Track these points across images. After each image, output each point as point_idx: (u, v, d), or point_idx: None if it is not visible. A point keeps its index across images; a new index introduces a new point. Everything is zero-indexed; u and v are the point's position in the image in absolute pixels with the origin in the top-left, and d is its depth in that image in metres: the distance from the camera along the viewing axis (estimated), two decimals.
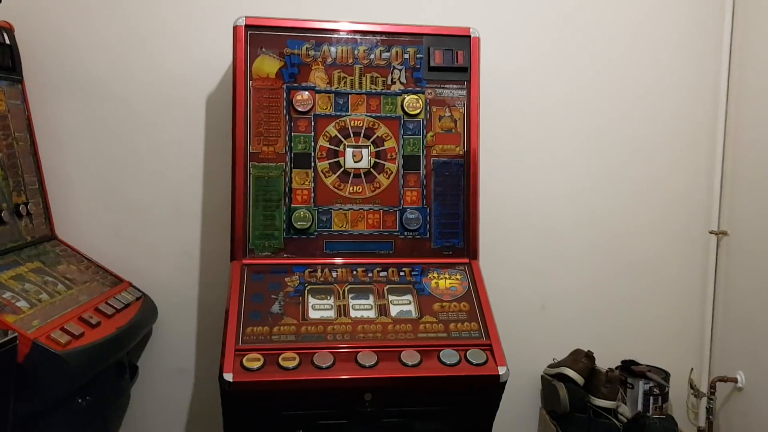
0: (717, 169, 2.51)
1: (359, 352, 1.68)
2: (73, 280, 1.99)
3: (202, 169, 2.30)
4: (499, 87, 2.35)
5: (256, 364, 1.61)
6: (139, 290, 2.21)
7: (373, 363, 1.65)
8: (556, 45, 2.43)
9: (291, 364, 1.62)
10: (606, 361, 2.43)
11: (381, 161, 2.00)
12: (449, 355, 1.70)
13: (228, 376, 1.58)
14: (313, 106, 1.96)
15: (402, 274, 1.93)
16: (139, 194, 2.29)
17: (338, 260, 1.95)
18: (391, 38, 2.01)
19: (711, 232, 2.53)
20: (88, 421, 1.86)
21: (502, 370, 1.68)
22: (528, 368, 2.48)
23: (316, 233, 1.95)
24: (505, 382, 1.69)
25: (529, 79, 2.42)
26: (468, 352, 1.71)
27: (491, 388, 1.71)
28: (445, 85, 2.02)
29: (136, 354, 2.32)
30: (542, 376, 2.46)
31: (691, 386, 2.54)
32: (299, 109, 1.95)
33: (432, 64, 2.01)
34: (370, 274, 1.92)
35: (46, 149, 2.18)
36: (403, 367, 1.66)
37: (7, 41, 2.06)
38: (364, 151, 1.99)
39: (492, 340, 1.75)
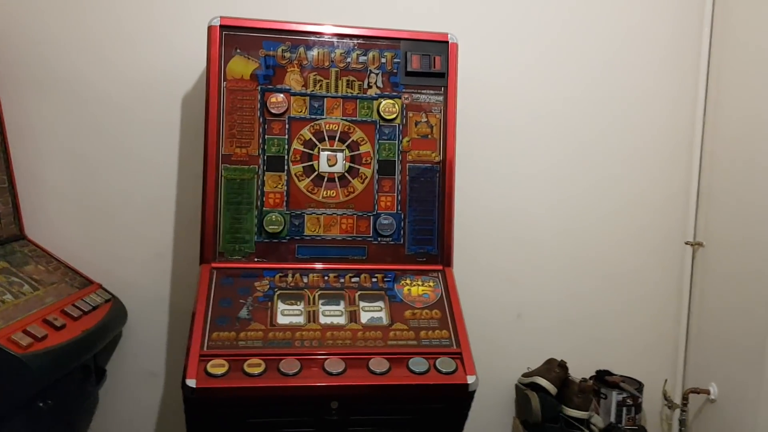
0: (694, 181, 2.52)
1: (327, 359, 1.66)
2: (40, 281, 1.95)
3: (176, 169, 2.27)
4: (479, 94, 2.35)
5: (220, 371, 1.58)
6: (108, 292, 2.17)
7: (340, 370, 1.63)
8: (536, 55, 2.43)
9: (256, 371, 1.59)
10: (581, 371, 2.42)
11: (356, 166, 1.98)
12: (418, 363, 1.68)
13: (191, 382, 1.55)
14: (287, 109, 1.94)
15: (374, 280, 1.91)
16: (112, 194, 2.25)
17: (310, 265, 1.92)
18: (368, 42, 1.99)
19: (687, 243, 2.53)
20: (50, 425, 1.82)
21: (471, 379, 1.67)
22: (502, 377, 2.47)
23: (288, 237, 1.93)
24: (474, 391, 1.67)
25: (508, 88, 2.42)
26: (437, 361, 1.69)
27: (460, 397, 1.69)
28: (422, 91, 2.01)
29: (105, 357, 2.28)
30: (516, 385, 2.45)
31: (665, 397, 2.54)
32: (273, 112, 1.93)
33: (409, 69, 1.99)
34: (342, 280, 1.90)
35: (16, 147, 2.14)
36: (371, 375, 1.64)
37: None
38: (339, 155, 1.97)
39: (462, 349, 1.73)
